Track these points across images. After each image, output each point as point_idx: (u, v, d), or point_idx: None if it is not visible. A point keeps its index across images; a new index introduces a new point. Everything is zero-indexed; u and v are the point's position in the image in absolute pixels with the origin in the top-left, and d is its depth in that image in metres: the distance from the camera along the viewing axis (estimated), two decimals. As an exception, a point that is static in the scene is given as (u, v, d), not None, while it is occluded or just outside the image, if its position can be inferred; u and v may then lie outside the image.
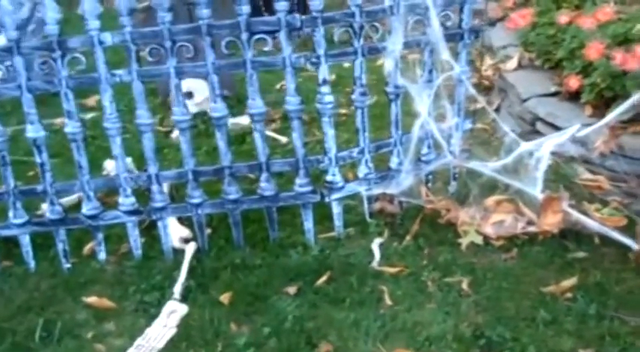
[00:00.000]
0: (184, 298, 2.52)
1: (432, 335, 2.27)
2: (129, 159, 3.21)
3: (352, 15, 2.48)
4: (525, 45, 3.50)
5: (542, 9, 3.58)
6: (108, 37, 2.47)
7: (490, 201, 2.77)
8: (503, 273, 2.54)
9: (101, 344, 2.37)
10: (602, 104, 2.98)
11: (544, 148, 2.71)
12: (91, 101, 4.18)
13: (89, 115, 4.03)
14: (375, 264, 2.63)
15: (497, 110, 3.67)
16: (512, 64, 3.67)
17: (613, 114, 2.77)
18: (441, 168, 2.92)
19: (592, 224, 2.59)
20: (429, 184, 2.93)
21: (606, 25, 2.87)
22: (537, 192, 2.67)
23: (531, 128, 3.26)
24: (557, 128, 3.04)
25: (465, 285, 2.48)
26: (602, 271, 2.50)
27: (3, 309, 2.56)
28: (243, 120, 3.75)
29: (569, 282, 2.44)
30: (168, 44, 2.47)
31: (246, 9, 2.44)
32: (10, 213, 2.65)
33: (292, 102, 2.57)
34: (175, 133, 3.61)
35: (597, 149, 2.77)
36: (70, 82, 2.50)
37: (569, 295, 2.39)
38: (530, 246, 2.66)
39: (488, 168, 2.73)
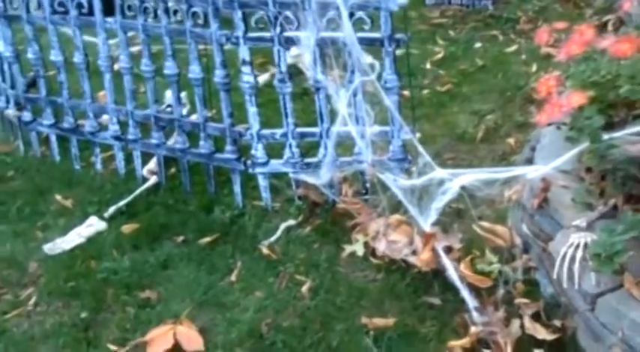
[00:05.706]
0: (112, 218, 3.00)
1: (232, 319, 2.41)
2: (183, 94, 3.69)
3: (266, 3, 2.53)
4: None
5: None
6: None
7: (393, 218, 2.64)
8: (349, 291, 2.49)
9: (41, 233, 2.99)
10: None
11: (457, 181, 2.47)
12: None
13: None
14: (265, 242, 2.76)
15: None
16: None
17: (557, 162, 2.38)
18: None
19: (451, 273, 2.35)
20: (367, 184, 2.85)
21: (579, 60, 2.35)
22: (427, 224, 2.48)
23: (532, 155, 2.86)
24: (532, 163, 2.66)
25: (305, 288, 2.51)
26: (440, 323, 2.30)
27: (24, 185, 3.34)
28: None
29: (387, 322, 2.31)
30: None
31: (182, -18, 2.68)
32: (43, 115, 3.36)
33: (219, 74, 2.76)
34: (262, 78, 3.94)
35: (507, 199, 2.41)
36: (77, 21, 3.05)
37: (374, 333, 2.29)
38: (401, 275, 2.52)
39: (396, 184, 2.59)
